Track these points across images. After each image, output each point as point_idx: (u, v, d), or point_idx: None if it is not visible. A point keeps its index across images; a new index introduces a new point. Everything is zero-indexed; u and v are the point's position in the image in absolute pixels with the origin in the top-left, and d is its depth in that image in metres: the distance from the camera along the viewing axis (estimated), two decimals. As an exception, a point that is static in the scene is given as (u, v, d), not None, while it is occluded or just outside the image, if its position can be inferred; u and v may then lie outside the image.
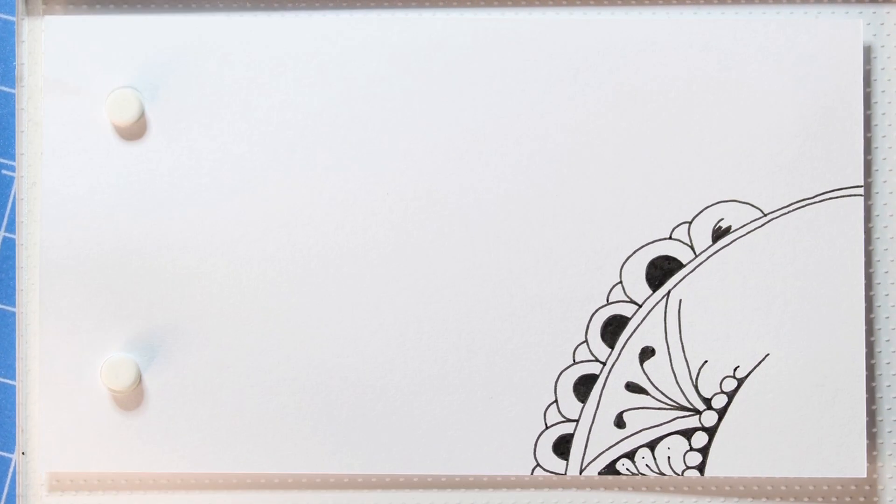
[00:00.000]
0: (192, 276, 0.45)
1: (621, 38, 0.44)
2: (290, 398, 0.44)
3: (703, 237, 0.44)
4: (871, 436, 0.45)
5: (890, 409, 0.45)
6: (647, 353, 0.45)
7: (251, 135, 0.45)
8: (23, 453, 0.45)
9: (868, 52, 0.45)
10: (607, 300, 0.44)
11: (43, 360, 0.44)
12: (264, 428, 0.45)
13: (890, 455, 0.45)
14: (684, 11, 0.45)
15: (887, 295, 0.45)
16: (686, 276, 0.44)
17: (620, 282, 0.44)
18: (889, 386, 0.45)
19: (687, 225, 0.44)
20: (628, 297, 0.44)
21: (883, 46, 0.45)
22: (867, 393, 0.45)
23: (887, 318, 0.45)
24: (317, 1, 0.46)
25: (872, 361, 0.45)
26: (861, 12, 0.45)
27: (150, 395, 0.45)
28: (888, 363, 0.45)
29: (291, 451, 0.45)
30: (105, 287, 0.45)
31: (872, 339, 0.45)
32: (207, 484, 0.45)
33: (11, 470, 0.47)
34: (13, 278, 0.47)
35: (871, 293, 0.45)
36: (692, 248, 0.44)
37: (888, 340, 0.45)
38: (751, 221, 0.44)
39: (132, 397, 0.45)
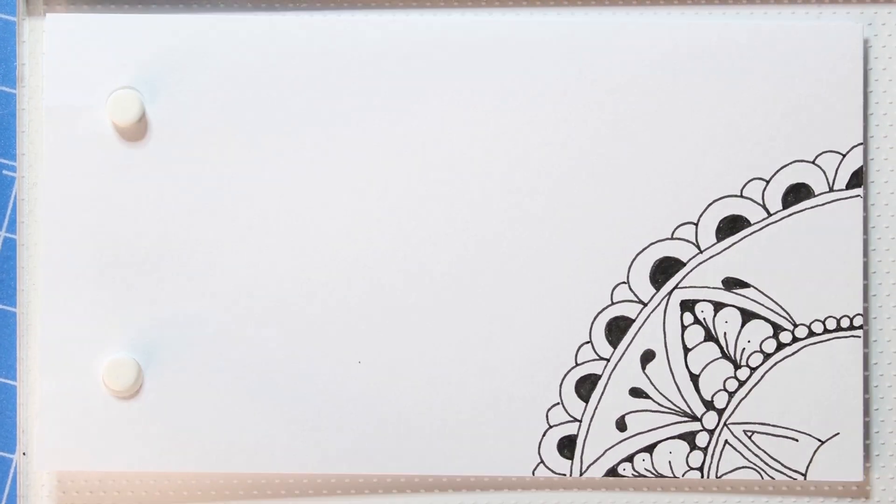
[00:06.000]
0: (193, 277, 0.45)
1: (624, 38, 0.44)
2: (290, 398, 0.44)
3: (708, 235, 0.44)
4: (868, 439, 0.45)
5: (889, 410, 0.45)
6: (649, 356, 0.45)
7: (252, 135, 0.45)
8: (24, 454, 0.45)
9: (868, 53, 0.45)
10: (611, 300, 0.44)
11: (43, 360, 0.44)
12: (264, 428, 0.44)
13: (888, 457, 0.45)
14: (685, 11, 0.45)
15: (889, 295, 0.45)
16: (688, 273, 0.44)
17: (626, 281, 0.44)
18: (886, 389, 0.45)
19: (692, 225, 0.44)
20: (635, 295, 0.44)
21: (884, 47, 0.45)
22: (864, 396, 0.45)
23: (888, 318, 0.45)
24: (318, 1, 0.46)
25: (868, 373, 0.45)
26: (862, 12, 0.45)
27: (151, 395, 0.45)
28: (888, 364, 0.45)
29: (292, 450, 0.44)
30: (105, 287, 0.45)
31: (869, 346, 0.45)
32: (209, 484, 0.45)
33: (12, 470, 0.47)
34: (13, 278, 0.47)
35: (872, 294, 0.45)
36: (697, 245, 0.44)
37: (887, 342, 0.45)
38: (756, 221, 0.44)
39: (133, 397, 0.45)
